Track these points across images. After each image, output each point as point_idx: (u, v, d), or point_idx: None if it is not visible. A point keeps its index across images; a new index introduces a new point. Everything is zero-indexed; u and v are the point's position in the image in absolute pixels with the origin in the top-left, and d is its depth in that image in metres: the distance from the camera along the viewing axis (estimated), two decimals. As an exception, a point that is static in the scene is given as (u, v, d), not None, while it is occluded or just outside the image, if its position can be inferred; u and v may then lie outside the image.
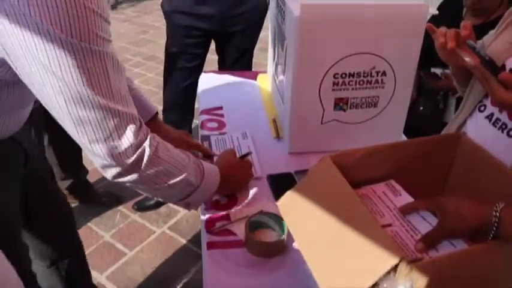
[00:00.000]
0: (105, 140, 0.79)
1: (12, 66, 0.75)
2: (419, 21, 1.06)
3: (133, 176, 0.84)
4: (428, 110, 1.91)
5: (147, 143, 0.83)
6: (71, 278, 1.38)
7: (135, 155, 0.82)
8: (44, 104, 0.78)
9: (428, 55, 1.71)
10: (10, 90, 0.90)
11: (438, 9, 1.93)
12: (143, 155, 0.83)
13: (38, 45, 0.69)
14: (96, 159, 0.82)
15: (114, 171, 0.83)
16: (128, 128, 0.80)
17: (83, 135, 0.78)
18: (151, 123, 1.17)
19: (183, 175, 0.91)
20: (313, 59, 1.07)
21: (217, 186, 1.01)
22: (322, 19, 1.02)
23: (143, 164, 0.83)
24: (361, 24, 1.03)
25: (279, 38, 1.26)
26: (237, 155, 1.15)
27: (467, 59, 0.87)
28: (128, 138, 0.80)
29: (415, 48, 1.10)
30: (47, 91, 0.74)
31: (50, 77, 0.72)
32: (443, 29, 0.95)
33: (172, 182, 0.89)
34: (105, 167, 0.83)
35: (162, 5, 2.00)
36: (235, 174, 1.08)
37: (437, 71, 1.87)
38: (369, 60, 1.09)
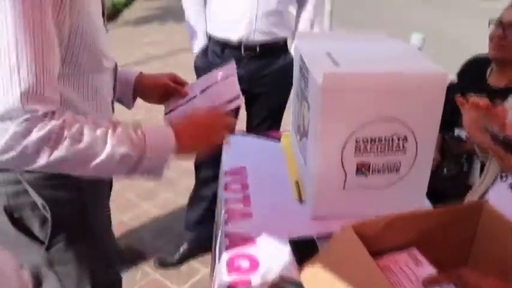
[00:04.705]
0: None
1: None
2: (440, 89, 1.08)
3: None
4: (452, 173, 1.90)
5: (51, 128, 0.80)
6: None
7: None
8: None
9: (451, 117, 1.72)
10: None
11: (458, 75, 1.95)
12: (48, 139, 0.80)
13: None
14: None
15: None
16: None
17: None
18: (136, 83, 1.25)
19: (105, 152, 0.85)
20: (335, 125, 1.09)
21: (177, 146, 0.95)
22: (344, 88, 1.05)
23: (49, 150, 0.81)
24: (383, 92, 1.06)
25: (302, 101, 1.30)
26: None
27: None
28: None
29: (436, 114, 1.12)
30: None
31: None
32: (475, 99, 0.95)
33: (95, 163, 0.85)
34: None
35: (195, 62, 2.09)
36: (199, 125, 1.02)
37: (462, 133, 1.87)
38: (390, 126, 1.11)
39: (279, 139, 1.66)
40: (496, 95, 1.73)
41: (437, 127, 1.14)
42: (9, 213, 0.99)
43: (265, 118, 2.15)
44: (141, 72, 1.29)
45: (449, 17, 9.56)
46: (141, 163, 0.90)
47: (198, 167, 2.26)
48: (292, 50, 2.06)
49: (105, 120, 0.91)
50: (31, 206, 0.99)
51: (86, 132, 0.84)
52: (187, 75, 2.19)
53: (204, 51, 2.05)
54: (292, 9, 2.09)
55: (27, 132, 0.78)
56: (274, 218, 1.23)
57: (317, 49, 1.25)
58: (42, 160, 0.82)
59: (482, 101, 0.95)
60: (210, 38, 2.05)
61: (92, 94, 1.02)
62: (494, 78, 1.80)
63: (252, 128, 2.19)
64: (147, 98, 1.29)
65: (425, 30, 6.64)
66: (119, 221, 2.61)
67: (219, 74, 1.26)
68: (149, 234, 2.55)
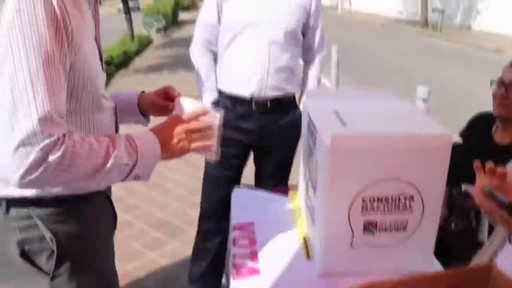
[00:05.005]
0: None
1: None
2: (445, 150, 1.11)
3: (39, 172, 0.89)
4: (460, 228, 1.89)
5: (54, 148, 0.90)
6: None
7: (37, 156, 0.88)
8: None
9: (457, 172, 1.73)
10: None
11: (461, 135, 1.98)
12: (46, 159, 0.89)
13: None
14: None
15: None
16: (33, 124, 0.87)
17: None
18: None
19: (105, 166, 0.98)
20: (342, 184, 1.12)
21: (162, 150, 1.09)
22: (352, 148, 1.08)
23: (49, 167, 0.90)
24: (389, 153, 1.09)
25: (310, 157, 1.33)
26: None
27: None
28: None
29: (442, 175, 1.14)
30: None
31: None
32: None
33: (102, 173, 0.98)
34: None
35: None
36: (175, 130, 1.13)
37: (469, 189, 1.88)
38: (396, 186, 1.13)
39: (287, 193, 1.68)
40: (502, 151, 1.75)
41: (443, 187, 1.16)
42: (21, 247, 1.06)
43: (273, 171, 2.18)
44: (143, 92, 1.39)
45: (452, 68, 9.73)
46: (134, 169, 1.04)
47: (201, 219, 2.26)
48: (301, 105, 2.11)
49: (103, 137, 1.03)
50: (40, 239, 1.07)
51: (94, 148, 0.97)
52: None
53: (215, 105, 2.09)
54: (300, 64, 2.16)
55: (46, 155, 0.89)
56: (281, 275, 1.23)
57: (325, 108, 1.29)
58: (61, 178, 0.94)
59: (500, 169, 0.97)
60: (220, 92, 2.10)
61: (94, 132, 1.10)
62: (499, 135, 1.83)
63: (261, 181, 2.21)
64: (151, 114, 1.39)
65: (430, 80, 6.74)
66: (125, 270, 2.59)
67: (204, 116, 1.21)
68: (155, 284, 2.52)
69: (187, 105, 1.23)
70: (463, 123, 2.02)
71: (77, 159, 0.93)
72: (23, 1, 0.86)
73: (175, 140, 1.13)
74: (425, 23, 18.45)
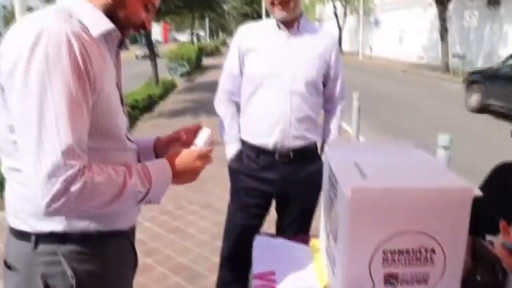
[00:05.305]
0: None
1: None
2: (465, 204, 1.12)
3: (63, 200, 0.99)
4: (486, 280, 1.84)
5: (77, 177, 0.99)
6: None
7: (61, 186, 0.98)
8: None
9: (480, 222, 1.72)
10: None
11: (483, 185, 1.98)
12: (69, 187, 0.99)
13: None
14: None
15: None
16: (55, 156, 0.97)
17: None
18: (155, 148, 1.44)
19: (122, 195, 1.07)
20: (363, 237, 1.13)
21: (173, 177, 1.21)
22: (372, 201, 1.10)
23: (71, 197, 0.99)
24: (409, 206, 1.11)
25: (331, 209, 1.35)
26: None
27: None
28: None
29: (463, 228, 1.14)
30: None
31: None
32: None
33: (119, 201, 1.07)
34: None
35: (230, 164, 2.17)
36: (187, 160, 1.23)
37: (493, 239, 1.85)
38: (416, 238, 1.14)
39: (308, 243, 1.68)
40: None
41: (465, 241, 1.16)
42: (44, 280, 1.14)
43: (295, 220, 2.18)
44: (158, 137, 1.47)
45: (474, 116, 9.68)
46: (147, 196, 1.14)
47: (222, 266, 2.26)
48: (323, 155, 2.13)
49: (120, 166, 1.12)
50: (62, 275, 1.14)
51: (112, 178, 1.06)
52: (220, 167, 2.28)
53: (239, 155, 2.13)
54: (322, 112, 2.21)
55: (69, 186, 0.99)
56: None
57: (346, 159, 1.32)
58: (83, 206, 1.03)
59: None
60: (243, 143, 2.14)
61: None
62: None
63: (282, 228, 2.21)
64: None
65: (451, 125, 6.68)
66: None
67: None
68: (174, 332, 2.51)
69: (203, 138, 1.34)
70: (486, 170, 2.01)
71: (96, 189, 1.03)
72: (51, 48, 0.98)
73: (186, 170, 1.24)
74: (446, 68, 18.49)
